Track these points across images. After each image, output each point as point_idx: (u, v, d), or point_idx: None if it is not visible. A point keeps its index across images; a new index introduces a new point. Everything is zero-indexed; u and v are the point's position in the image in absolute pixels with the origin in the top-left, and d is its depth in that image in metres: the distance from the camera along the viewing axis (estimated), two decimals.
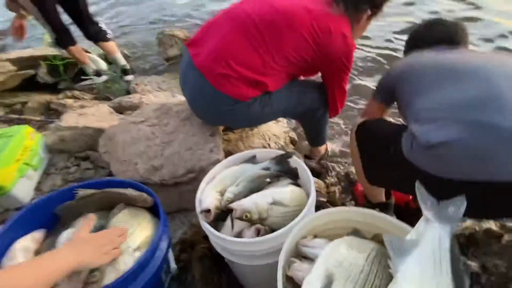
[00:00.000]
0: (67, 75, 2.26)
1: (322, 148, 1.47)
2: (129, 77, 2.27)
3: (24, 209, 0.63)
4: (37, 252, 0.59)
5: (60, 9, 1.87)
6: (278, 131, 1.52)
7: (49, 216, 0.67)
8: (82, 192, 0.66)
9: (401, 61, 0.90)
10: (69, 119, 1.38)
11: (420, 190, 0.52)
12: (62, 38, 1.86)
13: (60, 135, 1.33)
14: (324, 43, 0.87)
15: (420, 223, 0.48)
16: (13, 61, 2.15)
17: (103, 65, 2.30)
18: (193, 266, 0.96)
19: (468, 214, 0.50)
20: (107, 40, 2.10)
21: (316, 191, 1.20)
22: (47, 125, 1.72)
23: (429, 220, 0.48)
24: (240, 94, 0.87)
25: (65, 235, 0.60)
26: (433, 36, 0.86)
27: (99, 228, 0.61)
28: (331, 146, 1.59)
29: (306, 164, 1.53)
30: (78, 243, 0.50)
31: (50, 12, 1.76)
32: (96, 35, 2.04)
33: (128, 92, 2.11)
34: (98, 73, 2.20)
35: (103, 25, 2.11)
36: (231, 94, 0.86)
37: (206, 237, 1.04)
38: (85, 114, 1.45)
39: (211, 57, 0.85)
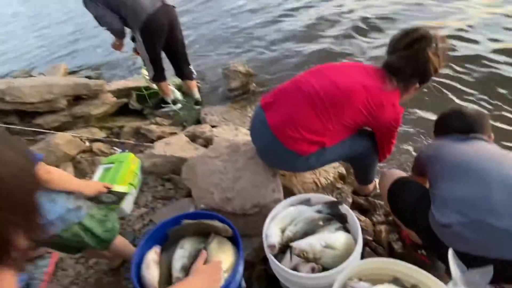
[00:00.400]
0: (151, 102, 2.77)
1: (370, 186, 1.57)
2: (199, 107, 2.68)
3: (153, 229, 0.92)
4: (159, 263, 0.87)
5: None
6: (327, 166, 1.67)
7: (162, 235, 0.95)
8: (185, 222, 0.94)
9: (430, 146, 1.15)
10: (159, 148, 1.76)
11: (452, 257, 0.65)
12: (159, 76, 2.34)
13: (153, 161, 1.70)
14: (376, 114, 1.04)
15: (449, 286, 0.61)
16: (113, 92, 2.74)
17: (179, 95, 2.76)
18: (253, 283, 1.17)
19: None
20: (192, 79, 2.56)
21: (363, 229, 1.32)
22: (139, 147, 2.18)
23: (457, 285, 0.60)
24: (302, 151, 1.07)
25: (178, 255, 0.86)
26: (454, 127, 1.07)
27: (198, 250, 0.86)
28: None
29: (354, 200, 1.64)
30: (203, 273, 0.75)
31: (156, 56, 2.24)
32: (186, 75, 2.51)
33: (198, 120, 2.51)
34: (174, 102, 2.66)
35: (192, 67, 2.55)
36: (295, 150, 1.07)
37: (263, 260, 1.25)
38: (170, 143, 1.81)
39: (283, 123, 1.08)
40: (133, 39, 2.22)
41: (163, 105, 2.67)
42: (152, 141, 2.28)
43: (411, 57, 1.03)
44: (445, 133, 1.09)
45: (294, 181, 1.50)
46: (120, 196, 1.10)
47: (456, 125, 1.06)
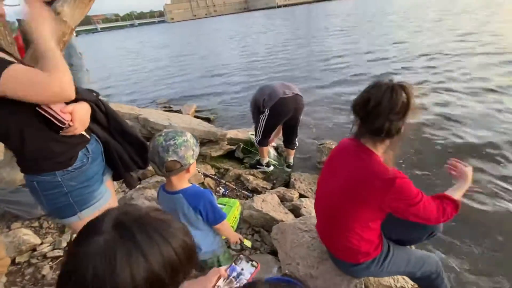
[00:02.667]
0: (251, 158, 3.33)
1: None
2: (290, 170, 3.08)
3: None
4: None
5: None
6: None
7: None
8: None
9: None
10: (258, 203, 2.15)
11: None
12: (263, 142, 2.88)
13: (251, 213, 2.10)
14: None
15: None
16: (228, 140, 3.44)
17: (273, 156, 3.24)
18: None
19: None
20: (293, 149, 3.04)
21: None
22: (236, 192, 2.66)
23: None
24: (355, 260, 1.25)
25: None
26: None
27: None
28: None
29: None
30: None
31: (271, 131, 2.81)
32: (291, 145, 3.00)
33: (287, 181, 2.88)
34: (267, 165, 3.11)
35: (297, 139, 3.04)
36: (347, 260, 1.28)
37: None
38: (266, 201, 2.20)
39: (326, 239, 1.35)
40: (260, 112, 2.82)
41: (258, 166, 3.16)
42: (247, 189, 2.74)
43: (371, 114, 1.04)
44: None
45: (372, 281, 1.61)
46: (244, 247, 1.48)
47: None
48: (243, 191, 2.67)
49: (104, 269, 0.43)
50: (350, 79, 6.14)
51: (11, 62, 0.79)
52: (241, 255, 0.80)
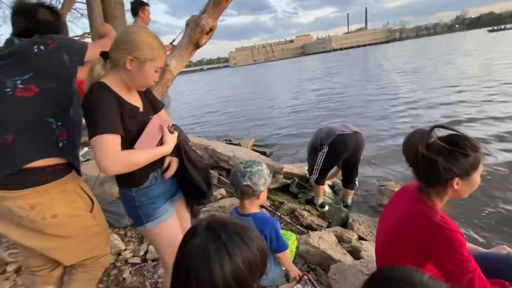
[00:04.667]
0: (306, 191, 3.35)
1: None
2: (346, 210, 2.98)
3: None
4: None
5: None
6: None
7: None
8: None
9: None
10: (314, 239, 2.13)
11: None
12: (320, 181, 2.90)
13: (307, 248, 2.08)
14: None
15: None
16: (284, 173, 3.55)
17: (329, 197, 3.18)
18: None
19: None
20: (352, 189, 2.99)
21: None
22: (290, 225, 2.67)
23: None
24: None
25: None
26: None
27: None
28: None
29: None
30: None
31: (328, 169, 2.84)
32: (350, 184, 2.96)
33: (343, 222, 2.77)
34: (322, 205, 3.05)
35: (357, 179, 2.99)
36: None
37: None
38: (323, 238, 2.16)
39: None
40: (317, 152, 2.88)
41: (312, 205, 3.13)
42: (301, 224, 2.73)
43: (418, 163, 0.99)
44: None
45: None
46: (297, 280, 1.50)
47: None
48: (297, 225, 2.67)
49: (201, 262, 0.55)
50: (411, 120, 5.82)
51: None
52: (306, 276, 0.84)
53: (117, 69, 1.05)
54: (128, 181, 1.13)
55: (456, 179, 0.97)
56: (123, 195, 1.17)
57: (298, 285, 0.82)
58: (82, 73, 1.15)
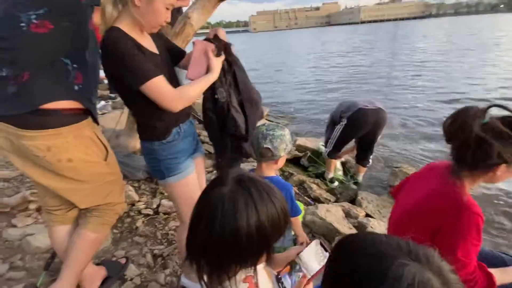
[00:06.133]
0: (317, 168, 3.31)
1: None
2: (356, 187, 2.95)
3: None
4: None
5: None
6: None
7: None
8: None
9: None
10: (321, 211, 2.14)
11: None
12: (333, 154, 2.84)
13: (313, 219, 2.10)
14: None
15: None
16: (297, 146, 3.51)
17: (339, 174, 3.14)
18: None
19: None
20: (365, 166, 2.92)
21: None
22: (298, 196, 2.69)
23: None
24: None
25: None
26: None
27: None
28: None
29: None
30: None
31: (344, 143, 2.76)
32: (363, 161, 2.90)
33: (352, 198, 2.76)
34: (331, 180, 3.03)
35: (372, 157, 2.90)
36: None
37: None
38: (330, 211, 2.17)
39: None
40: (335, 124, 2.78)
41: (322, 179, 3.10)
42: (309, 196, 2.74)
43: (463, 145, 0.90)
44: None
45: None
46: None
47: None
48: (305, 197, 2.68)
49: (229, 210, 0.55)
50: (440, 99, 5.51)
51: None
52: (318, 240, 0.81)
53: (127, 9, 1.01)
54: (151, 134, 1.13)
55: (504, 165, 0.89)
56: (146, 147, 1.17)
57: (307, 248, 0.80)
58: (97, 18, 1.10)
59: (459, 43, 15.52)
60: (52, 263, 1.46)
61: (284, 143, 1.17)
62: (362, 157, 2.86)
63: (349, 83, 8.17)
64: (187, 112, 1.24)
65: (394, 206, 1.29)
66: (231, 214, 0.54)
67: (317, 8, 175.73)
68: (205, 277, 0.60)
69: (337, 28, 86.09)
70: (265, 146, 1.16)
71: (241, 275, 0.63)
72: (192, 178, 1.22)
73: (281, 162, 1.25)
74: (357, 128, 2.59)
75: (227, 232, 0.54)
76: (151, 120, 1.11)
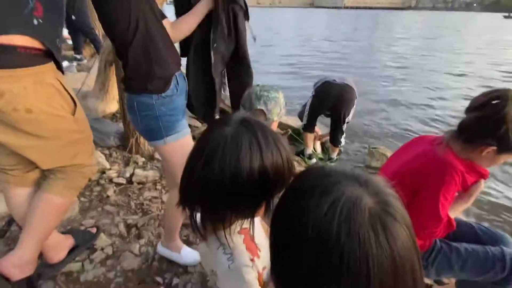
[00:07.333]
0: (297, 143, 3.32)
1: None
2: (333, 164, 3.01)
3: None
4: None
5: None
6: None
7: None
8: None
9: None
10: None
11: None
12: (308, 128, 2.85)
13: None
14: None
15: None
16: (278, 124, 3.46)
17: (319, 151, 3.18)
18: None
19: None
20: (337, 147, 2.96)
21: None
22: None
23: None
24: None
25: None
26: None
27: None
28: None
29: None
30: None
31: (314, 116, 2.78)
32: (335, 142, 2.91)
33: None
34: (310, 156, 3.07)
35: (343, 138, 2.93)
36: None
37: None
38: None
39: None
40: None
41: (301, 156, 3.13)
42: None
43: (483, 116, 0.94)
44: None
45: None
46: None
47: None
48: None
49: (231, 150, 0.49)
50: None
51: None
52: None
53: None
54: (148, 85, 1.02)
55: (494, 149, 0.94)
56: (141, 103, 1.05)
57: None
58: None
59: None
60: (9, 231, 1.31)
61: (278, 106, 1.10)
62: (332, 137, 2.90)
63: (331, 65, 8.21)
64: (177, 61, 1.14)
65: (380, 171, 1.30)
66: (233, 155, 0.49)
67: None
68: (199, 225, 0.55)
69: (320, 10, 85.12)
70: (258, 107, 1.08)
71: (236, 226, 0.58)
72: (189, 139, 1.15)
73: (274, 127, 1.18)
74: (321, 100, 2.64)
75: (226, 174, 0.49)
76: (150, 66, 1.01)
